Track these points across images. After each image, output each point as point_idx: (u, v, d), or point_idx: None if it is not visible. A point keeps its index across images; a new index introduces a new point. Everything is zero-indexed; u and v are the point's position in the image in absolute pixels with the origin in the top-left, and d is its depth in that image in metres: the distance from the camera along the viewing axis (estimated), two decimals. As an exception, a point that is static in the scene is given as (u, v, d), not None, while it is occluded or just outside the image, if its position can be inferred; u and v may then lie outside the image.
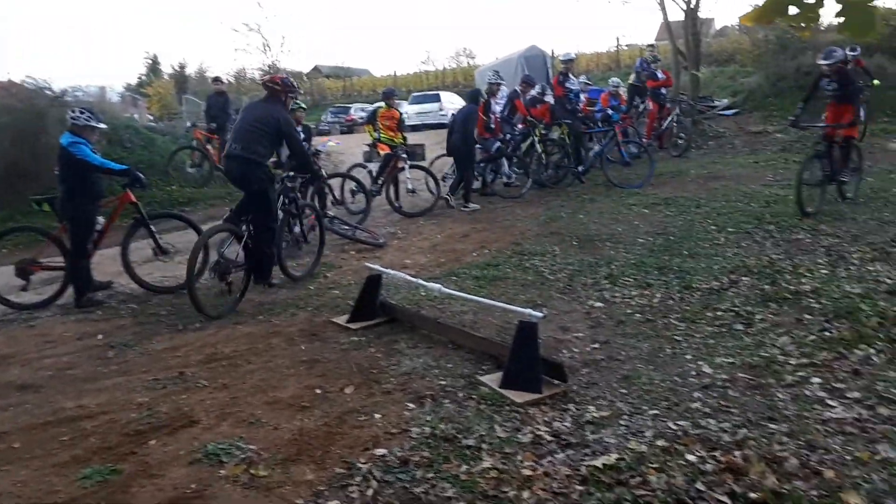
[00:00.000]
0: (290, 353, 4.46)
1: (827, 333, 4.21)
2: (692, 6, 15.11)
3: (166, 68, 45.79)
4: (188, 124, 14.26)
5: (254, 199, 5.88)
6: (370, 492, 2.77)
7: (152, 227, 6.46)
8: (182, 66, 43.93)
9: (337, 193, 9.33)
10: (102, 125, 6.28)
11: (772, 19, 1.95)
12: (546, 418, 3.38)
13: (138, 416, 3.62)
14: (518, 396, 3.57)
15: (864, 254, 5.81)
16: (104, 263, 6.89)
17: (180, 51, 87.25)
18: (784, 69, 15.97)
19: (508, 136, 10.43)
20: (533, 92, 11.20)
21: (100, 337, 5.14)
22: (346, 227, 8.09)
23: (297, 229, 7.06)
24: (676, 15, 15.93)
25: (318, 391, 3.81)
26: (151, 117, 29.15)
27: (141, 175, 6.28)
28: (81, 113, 6.13)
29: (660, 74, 13.07)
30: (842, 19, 1.85)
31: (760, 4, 1.92)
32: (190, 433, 3.40)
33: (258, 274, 5.90)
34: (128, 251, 6.34)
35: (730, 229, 6.95)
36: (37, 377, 4.38)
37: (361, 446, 3.15)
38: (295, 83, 6.43)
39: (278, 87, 6.10)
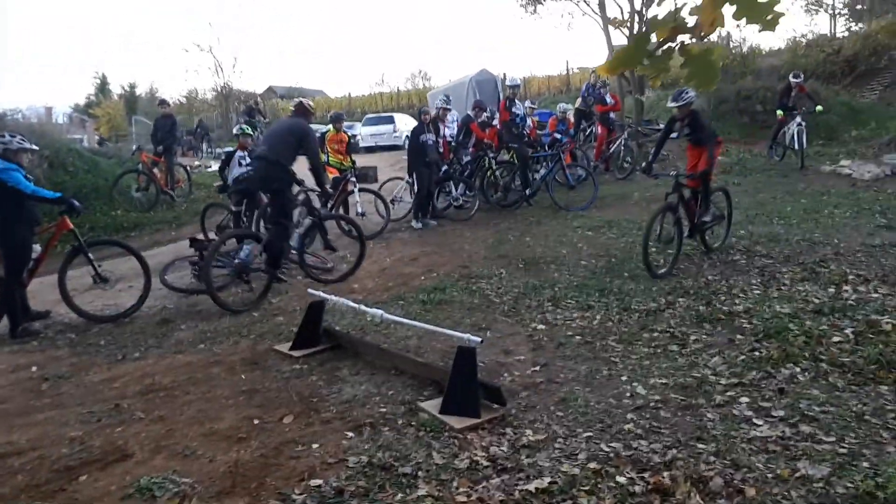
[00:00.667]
0: (230, 382, 4.41)
1: (757, 353, 4.37)
2: (635, 32, 15.61)
3: (116, 88, 44.91)
4: (134, 147, 14.01)
5: (274, 197, 6.88)
6: (304, 524, 2.76)
7: (90, 255, 6.32)
8: (132, 87, 43.11)
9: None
10: (33, 146, 6.14)
11: (625, 69, 2.14)
12: (483, 443, 3.42)
13: (69, 451, 3.53)
14: (457, 422, 3.60)
15: (794, 274, 6.06)
16: (42, 292, 6.71)
17: (130, 71, 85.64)
18: (725, 93, 16.60)
19: (464, 159, 10.61)
20: (483, 116, 11.40)
21: (34, 369, 4.99)
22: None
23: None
24: (620, 40, 16.45)
25: (257, 421, 3.77)
26: (98, 138, 28.52)
27: (76, 203, 6.14)
28: (13, 136, 6.00)
29: (608, 99, 13.42)
30: (687, 70, 2.04)
31: (613, 56, 2.11)
32: (123, 467, 3.33)
33: (271, 264, 6.65)
34: (65, 279, 6.17)
35: (669, 251, 7.15)
36: (-37, 413, 4.23)
37: (297, 477, 3.13)
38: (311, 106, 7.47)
39: (307, 107, 7.23)
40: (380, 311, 4.70)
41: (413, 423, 3.64)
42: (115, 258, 7.49)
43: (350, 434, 3.56)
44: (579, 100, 14.58)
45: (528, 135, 10.92)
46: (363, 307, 4.86)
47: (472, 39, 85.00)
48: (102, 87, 45.32)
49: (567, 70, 33.27)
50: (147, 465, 3.33)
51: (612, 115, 13.38)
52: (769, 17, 1.94)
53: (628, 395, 3.90)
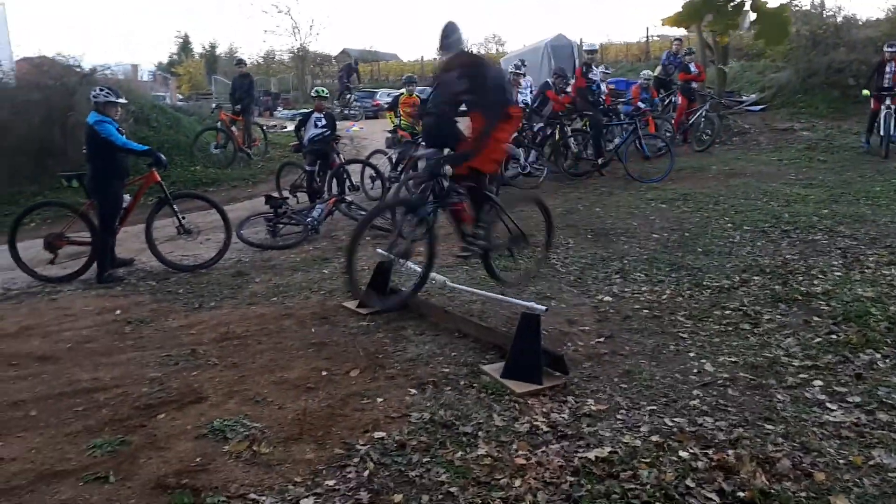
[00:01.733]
0: (300, 335, 4.56)
1: (834, 336, 4.20)
2: (723, -1, 14.88)
3: (197, 48, 46.19)
4: (213, 106, 14.44)
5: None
6: (366, 473, 2.86)
7: (175, 207, 6.61)
8: (213, 47, 44.29)
9: (356, 179, 9.41)
10: (122, 100, 6.41)
11: (690, 23, 2.00)
12: (544, 409, 3.44)
13: (149, 390, 3.75)
14: (518, 387, 3.62)
15: (880, 257, 5.75)
16: (127, 241, 7.08)
17: (212, 31, 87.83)
18: (815, 65, 15.66)
19: (536, 126, 10.42)
20: (549, 79, 11.19)
21: (118, 312, 5.29)
22: (363, 213, 8.17)
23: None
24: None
25: (325, 373, 3.90)
26: (181, 97, 29.49)
27: (161, 156, 6.43)
28: (101, 90, 6.29)
29: (692, 68, 12.90)
30: (757, 27, 1.88)
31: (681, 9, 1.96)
32: (198, 409, 3.52)
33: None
34: (152, 229, 6.50)
35: (746, 227, 6.91)
36: (56, 349, 4.54)
37: (361, 429, 3.24)
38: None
39: None
40: (443, 278, 4.74)
41: (475, 385, 3.69)
42: (193, 211, 7.82)
43: (413, 391, 3.64)
44: (659, 68, 14.09)
45: (603, 102, 10.63)
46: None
47: (547, 3, 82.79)
48: (185, 47, 46.70)
49: (647, 37, 32.06)
50: (220, 409, 3.50)
51: (694, 84, 12.86)
52: None
53: (695, 371, 3.83)
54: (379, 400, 3.54)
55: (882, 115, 10.75)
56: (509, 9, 78.94)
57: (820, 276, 5.37)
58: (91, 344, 4.64)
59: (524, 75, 11.63)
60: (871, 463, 2.84)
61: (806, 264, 5.68)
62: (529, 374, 3.68)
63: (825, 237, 6.50)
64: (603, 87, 11.27)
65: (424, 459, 2.96)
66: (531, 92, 11.82)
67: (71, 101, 11.16)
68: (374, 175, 9.56)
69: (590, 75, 10.34)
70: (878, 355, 3.90)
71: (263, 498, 2.71)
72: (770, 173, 10.06)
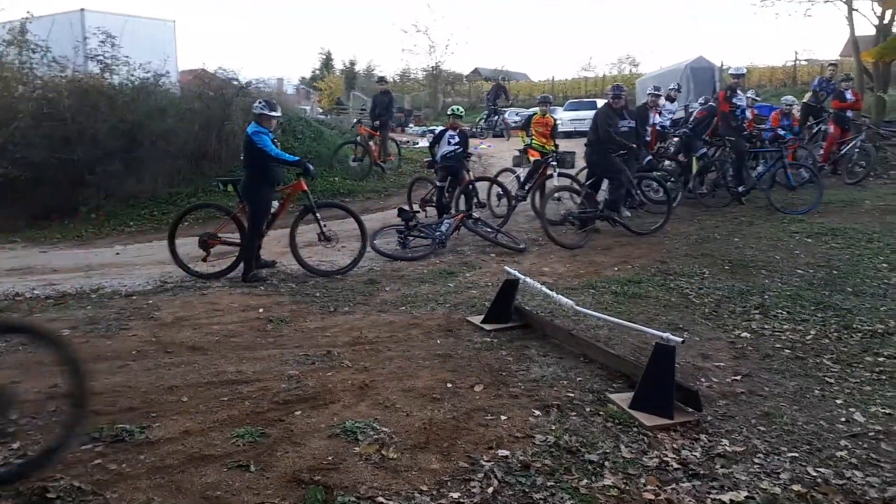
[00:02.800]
0: (426, 345, 4.68)
1: None
2: (885, 21, 13.75)
3: (338, 64, 48.61)
4: (354, 120, 15.15)
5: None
6: (490, 490, 2.88)
7: (318, 215, 7.00)
8: (352, 63, 46.43)
9: (483, 196, 9.53)
10: (276, 113, 6.84)
11: (894, 57, 1.84)
12: (675, 445, 3.32)
13: (288, 386, 3.98)
14: (647, 419, 3.52)
15: None
16: (270, 244, 7.57)
17: (352, 48, 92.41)
18: None
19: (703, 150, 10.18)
20: (697, 104, 10.83)
21: (261, 311, 5.66)
22: (489, 230, 8.26)
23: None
24: (866, 30, 14.58)
25: (450, 385, 3.98)
26: (321, 110, 31.13)
27: (311, 167, 6.85)
28: (260, 103, 6.81)
29: (848, 95, 12.01)
30: None
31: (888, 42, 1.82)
32: (331, 409, 3.69)
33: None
34: (296, 234, 6.93)
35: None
36: (205, 341, 4.93)
37: (486, 445, 3.27)
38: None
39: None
40: (570, 302, 4.67)
41: (601, 413, 3.63)
42: (330, 220, 8.24)
43: (537, 412, 3.63)
44: (809, 94, 13.23)
45: (746, 127, 10.11)
46: (555, 295, 4.87)
47: (685, 25, 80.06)
48: (327, 63, 49.33)
49: (795, 61, 30.24)
50: (352, 410, 3.66)
51: (849, 112, 11.96)
52: None
53: (843, 419, 3.56)
54: (503, 418, 3.56)
55: None
56: (644, 29, 77.11)
57: None
58: (236, 338, 4.99)
59: (672, 100, 11.39)
60: None
61: (979, 313, 5.12)
62: (660, 408, 3.56)
63: None
64: (748, 112, 10.76)
65: (549, 483, 2.94)
66: (672, 117, 11.51)
67: (228, 111, 12.13)
68: (501, 193, 9.65)
69: (734, 100, 9.88)
70: None
71: (391, 502, 2.80)
72: (934, 211, 9.15)
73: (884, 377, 4.11)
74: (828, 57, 24.38)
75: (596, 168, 8.71)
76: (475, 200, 9.10)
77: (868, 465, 3.11)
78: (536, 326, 5.01)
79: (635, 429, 3.46)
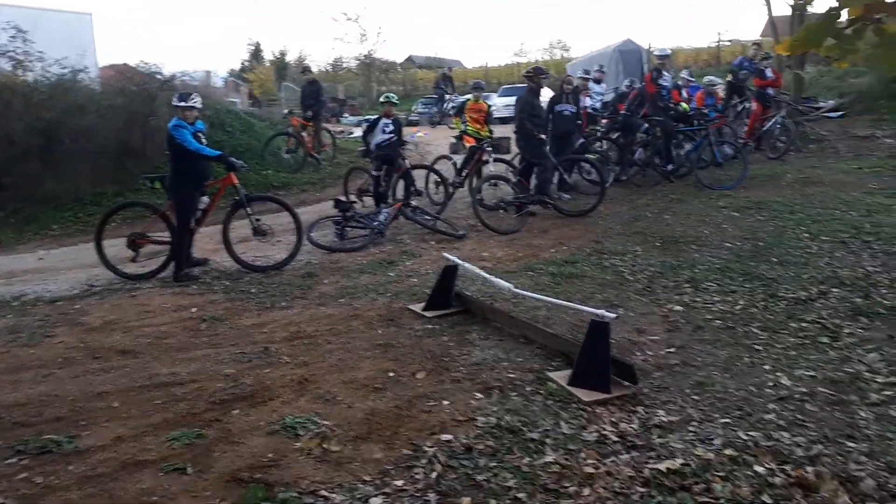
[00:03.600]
0: (367, 335, 4.65)
1: (922, 353, 3.99)
2: (800, 1, 14.31)
3: (268, 55, 47.52)
4: (285, 111, 14.84)
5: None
6: (434, 475, 2.89)
7: (249, 210, 6.82)
8: (283, 54, 45.44)
9: (420, 184, 9.50)
10: (195, 103, 6.60)
11: (809, 49, 1.94)
12: (613, 419, 3.39)
13: (224, 385, 3.89)
14: (586, 395, 3.59)
15: (976, 271, 5.43)
16: (203, 241, 7.36)
17: (282, 38, 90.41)
18: (902, 69, 14.95)
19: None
20: (623, 86, 11.06)
21: (194, 310, 5.50)
22: (428, 218, 8.25)
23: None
24: (783, 10, 15.14)
25: (392, 374, 3.96)
26: (250, 102, 30.39)
27: (234, 160, 6.66)
28: (177, 96, 6.60)
29: (769, 73, 12.45)
30: (878, 51, 1.81)
31: (798, 34, 1.91)
32: (270, 406, 3.62)
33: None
34: (229, 230, 6.75)
35: (824, 238, 6.63)
36: (136, 344, 4.76)
37: (429, 430, 3.27)
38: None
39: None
40: (508, 285, 4.72)
41: (541, 392, 3.68)
42: (266, 214, 8.06)
43: (479, 395, 3.65)
44: (730, 75, 13.67)
45: (675, 108, 10.36)
46: (493, 278, 4.91)
47: (614, 8, 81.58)
48: (256, 54, 48.15)
49: (718, 42, 31.24)
50: (291, 406, 3.60)
51: (770, 90, 12.42)
52: None
53: (771, 384, 3.70)
54: (445, 403, 3.56)
55: None
56: (573, 14, 78.24)
57: (906, 289, 5.11)
58: (169, 340, 4.84)
59: (599, 81, 11.57)
60: (964, 488, 2.68)
61: (889, 277, 5.40)
62: (597, 383, 3.64)
63: (913, 249, 6.17)
64: (684, 92, 11.04)
65: (492, 464, 2.97)
66: (601, 99, 11.71)
67: (152, 107, 11.69)
68: (439, 180, 9.64)
69: (660, 81, 10.12)
70: (973, 375, 3.69)
71: (334, 495, 2.77)
72: (849, 182, 9.61)
73: (807, 341, 4.30)
74: (750, 37, 25.29)
75: (524, 153, 8.89)
76: (413, 188, 9.07)
77: (794, 425, 3.25)
78: (477, 311, 5.03)
79: (574, 405, 3.52)
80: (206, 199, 6.72)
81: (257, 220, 6.88)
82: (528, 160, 8.91)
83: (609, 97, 12.81)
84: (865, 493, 2.67)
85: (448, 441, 3.15)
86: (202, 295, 6.00)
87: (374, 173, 8.86)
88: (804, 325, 4.56)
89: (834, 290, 5.19)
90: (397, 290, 5.74)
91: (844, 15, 1.81)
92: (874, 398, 3.48)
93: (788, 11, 15.01)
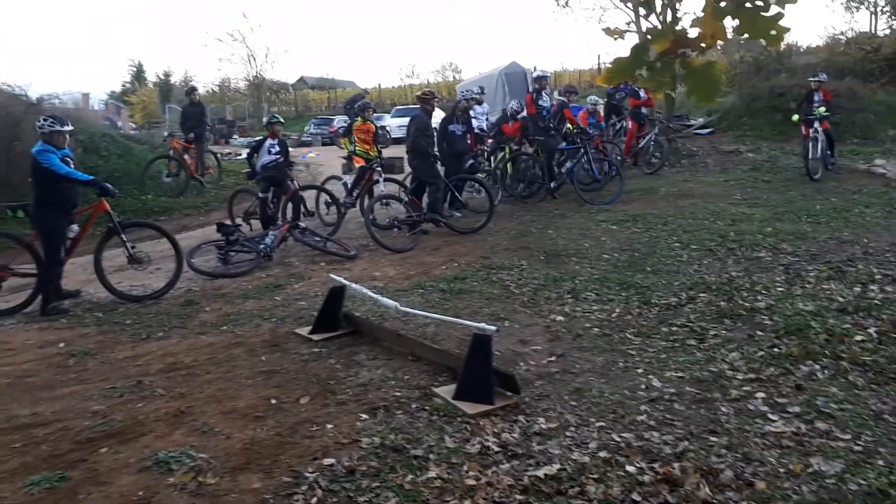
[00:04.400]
0: (249, 363, 4.50)
1: (776, 350, 4.32)
2: (668, 24, 15.37)
3: (151, 76, 45.62)
4: (166, 133, 14.27)
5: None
6: (314, 500, 2.82)
7: (124, 237, 6.47)
8: (167, 75, 43.78)
9: (311, 205, 9.37)
10: (67, 128, 6.25)
11: (622, 80, 2.11)
12: (495, 429, 3.45)
13: (92, 423, 3.64)
14: (470, 408, 3.63)
15: (820, 272, 5.96)
16: (75, 272, 6.91)
17: (166, 59, 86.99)
18: (759, 90, 16.32)
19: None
20: (511, 106, 11.41)
21: (62, 345, 5.13)
22: (318, 239, 8.14)
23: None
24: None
25: (274, 401, 3.85)
26: (134, 125, 29.04)
27: (107, 186, 6.31)
28: (45, 120, 6.19)
29: (642, 94, 13.24)
30: (688, 84, 1.98)
31: (610, 66, 2.06)
32: (142, 441, 3.42)
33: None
34: (101, 259, 6.36)
35: (693, 247, 7.09)
36: (-7, 385, 4.38)
37: (310, 456, 3.20)
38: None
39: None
40: (394, 303, 4.73)
41: (427, 408, 3.69)
42: (145, 241, 7.69)
43: (364, 416, 3.61)
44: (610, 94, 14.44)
45: (553, 127, 10.79)
46: (379, 297, 4.90)
47: (503, 32, 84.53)
48: (138, 75, 46.09)
49: (598, 64, 32.97)
50: (165, 440, 3.42)
51: (643, 109, 13.21)
52: (773, 33, 1.87)
53: (643, 387, 3.90)
54: (329, 426, 3.50)
55: (811, 139, 11.02)
56: (465, 37, 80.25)
57: (763, 291, 5.53)
58: (32, 378, 4.48)
59: (480, 102, 11.86)
60: (809, 471, 2.92)
61: (750, 281, 5.84)
62: (481, 395, 3.69)
63: (769, 254, 6.71)
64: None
65: (374, 484, 2.94)
66: (487, 119, 12.01)
67: (16, 131, 10.88)
68: (330, 201, 9.55)
69: (540, 102, 10.53)
70: (818, 367, 4.03)
71: (207, 530, 2.65)
72: (717, 194, 10.37)
73: (677, 345, 4.56)
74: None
75: (417, 173, 9.00)
76: (303, 210, 8.93)
77: (664, 425, 3.43)
78: (365, 331, 5.00)
79: (459, 419, 3.56)
80: (75, 227, 6.31)
81: (133, 247, 6.53)
82: (420, 179, 9.00)
83: (494, 117, 13.18)
84: (724, 484, 2.85)
85: (330, 465, 3.10)
86: (72, 329, 5.61)
87: (260, 195, 8.65)
88: (674, 329, 4.85)
89: (701, 295, 5.55)
90: (284, 314, 5.60)
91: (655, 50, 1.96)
92: (734, 394, 3.73)
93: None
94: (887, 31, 24.99)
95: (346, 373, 4.26)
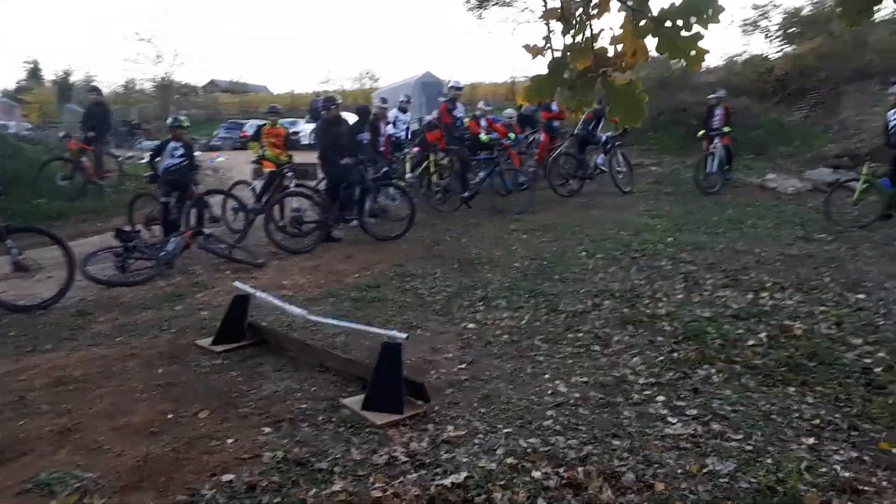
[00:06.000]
0: (145, 376, 4.26)
1: (675, 354, 4.49)
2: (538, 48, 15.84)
3: (49, 75, 42.97)
4: (61, 134, 13.44)
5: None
6: (211, 519, 2.69)
7: (10, 243, 6.02)
8: (67, 74, 41.32)
9: (217, 211, 9.05)
10: None
11: (542, 99, 2.01)
12: (404, 439, 3.40)
13: (-36, 445, 3.34)
14: (378, 418, 3.57)
15: (716, 280, 6.26)
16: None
17: (67, 57, 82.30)
18: (663, 105, 17.08)
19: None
20: (429, 117, 11.46)
21: (-67, 360, 4.70)
22: (223, 246, 7.84)
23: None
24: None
25: (170, 416, 3.65)
26: (29, 125, 27.24)
27: None
28: None
29: (554, 107, 13.55)
30: (611, 105, 1.92)
31: (529, 84, 1.99)
32: (22, 461, 3.18)
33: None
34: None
35: (599, 255, 7.31)
36: None
37: (208, 472, 3.05)
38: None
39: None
40: (302, 311, 4.59)
41: (333, 420, 3.60)
42: (37, 247, 7.17)
43: (267, 429, 3.49)
44: (523, 107, 14.72)
45: (467, 137, 10.90)
46: (287, 306, 4.74)
47: (420, 42, 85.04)
48: (34, 73, 43.35)
49: (512, 78, 33.65)
50: (48, 460, 3.18)
51: (556, 122, 13.54)
52: (693, 53, 1.84)
53: (550, 392, 3.95)
54: (229, 441, 3.35)
55: (709, 154, 11.62)
56: (382, 46, 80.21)
57: (664, 299, 5.75)
58: None
59: (405, 111, 11.85)
60: (705, 471, 3.03)
61: (652, 288, 6.07)
62: (390, 405, 3.64)
63: (669, 263, 7.00)
64: (483, 121, 11.63)
65: (276, 500, 2.83)
66: (409, 127, 11.98)
67: None
68: (237, 206, 9.26)
69: (454, 112, 10.62)
70: (713, 370, 4.21)
71: (91, 556, 2.47)
72: (623, 205, 10.76)
73: (582, 350, 4.66)
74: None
75: (330, 178, 8.88)
76: (208, 216, 8.61)
77: (569, 429, 3.48)
78: (272, 341, 4.84)
79: (367, 429, 3.49)
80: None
81: (19, 253, 6.08)
82: (334, 184, 8.87)
83: (415, 126, 13.20)
84: (626, 486, 2.91)
85: (229, 481, 2.96)
86: (-55, 343, 5.16)
87: (162, 200, 8.28)
88: (580, 335, 4.95)
89: (606, 302, 5.71)
90: (184, 324, 5.35)
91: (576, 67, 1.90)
92: (636, 398, 3.84)
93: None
94: (779, 55, 26.84)
95: (249, 385, 4.10)
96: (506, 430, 3.46)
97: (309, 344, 4.64)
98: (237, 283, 5.15)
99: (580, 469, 3.04)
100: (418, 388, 3.77)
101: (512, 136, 11.12)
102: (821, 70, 18.62)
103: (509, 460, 3.13)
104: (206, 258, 7.73)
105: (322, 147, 8.63)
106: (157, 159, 8.44)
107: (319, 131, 8.73)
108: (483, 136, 10.90)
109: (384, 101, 10.32)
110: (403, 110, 12.33)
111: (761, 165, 13.81)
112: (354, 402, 3.77)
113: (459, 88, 11.45)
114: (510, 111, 13.34)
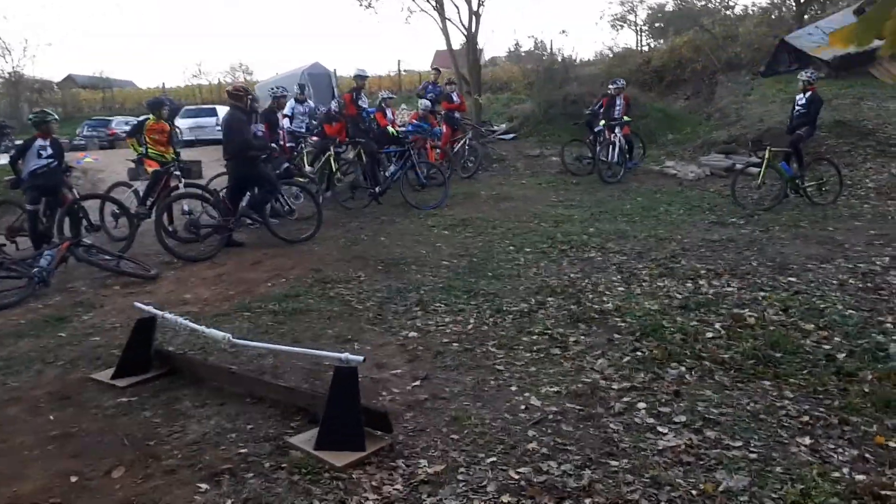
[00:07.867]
0: (33, 426, 3.44)
1: (639, 353, 4.23)
2: (472, 32, 15.68)
3: None
4: None
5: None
6: None
7: None
8: None
9: (95, 217, 7.96)
10: None
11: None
12: (374, 482, 2.87)
13: None
14: (338, 458, 3.01)
15: (651, 270, 6.12)
16: None
17: None
18: (553, 97, 17.21)
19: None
20: (324, 108, 10.76)
21: None
22: (108, 258, 6.85)
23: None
24: (461, 38, 16.40)
25: (75, 479, 2.91)
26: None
27: None
28: None
29: (455, 98, 13.22)
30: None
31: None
32: None
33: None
34: None
35: (527, 249, 7.02)
36: None
37: (138, 556, 2.39)
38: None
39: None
40: (225, 335, 3.84)
41: (284, 466, 3.00)
42: None
43: (204, 486, 2.84)
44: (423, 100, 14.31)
45: (375, 129, 10.34)
46: (205, 329, 3.97)
47: (297, 34, 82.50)
48: None
49: (399, 71, 33.08)
50: None
51: (457, 114, 13.22)
52: None
53: (523, 407, 3.55)
54: (159, 506, 2.68)
55: (610, 143, 11.72)
56: (256, 39, 77.08)
57: (607, 292, 5.53)
58: None
59: (302, 102, 11.09)
60: (720, 489, 2.73)
61: (591, 282, 5.83)
62: (350, 441, 3.09)
63: (599, 254, 6.82)
64: (389, 113, 11.06)
65: (234, 585, 2.23)
66: (307, 119, 11.20)
67: None
68: (119, 211, 8.20)
69: (360, 102, 10.00)
70: (683, 368, 3.99)
71: None
72: (533, 196, 10.60)
73: (542, 355, 4.29)
74: (421, 68, 27.25)
75: (236, 176, 7.90)
76: (85, 224, 7.53)
77: (558, 451, 3.09)
78: (186, 370, 4.11)
79: (327, 474, 2.93)
80: None
81: None
82: (240, 183, 7.92)
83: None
84: (644, 516, 2.56)
85: (168, 566, 2.32)
86: None
87: (29, 208, 7.14)
88: (534, 337, 4.60)
89: (549, 299, 5.40)
90: (73, 355, 4.48)
91: None
92: (617, 407, 3.52)
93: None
94: (647, 48, 28.04)
95: (168, 428, 3.40)
96: (489, 460, 3.02)
97: (234, 371, 3.96)
98: (137, 304, 4.35)
99: (587, 501, 2.65)
100: (379, 418, 3.24)
101: (429, 127, 10.66)
102: (695, 62, 19.53)
103: (505, 499, 2.70)
104: (88, 272, 6.69)
105: (239, 142, 7.60)
106: (21, 161, 7.25)
107: (234, 125, 7.68)
108: (390, 129, 10.37)
109: (284, 90, 9.44)
110: (301, 101, 11.53)
111: (654, 153, 14.17)
112: (305, 440, 3.18)
113: (365, 77, 10.84)
114: (424, 102, 12.87)
